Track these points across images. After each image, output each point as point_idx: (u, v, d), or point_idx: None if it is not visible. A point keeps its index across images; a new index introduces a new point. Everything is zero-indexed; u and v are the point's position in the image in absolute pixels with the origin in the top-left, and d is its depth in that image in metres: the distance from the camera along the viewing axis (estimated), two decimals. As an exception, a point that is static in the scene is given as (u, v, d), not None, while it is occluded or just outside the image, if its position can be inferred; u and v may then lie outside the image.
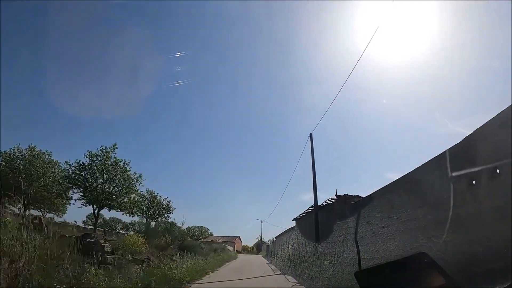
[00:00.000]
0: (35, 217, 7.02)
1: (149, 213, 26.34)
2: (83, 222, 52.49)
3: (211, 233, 71.92)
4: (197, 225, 73.49)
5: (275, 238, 32.92)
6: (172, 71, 52.05)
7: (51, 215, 26.71)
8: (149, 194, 26.56)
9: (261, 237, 60.09)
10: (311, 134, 15.08)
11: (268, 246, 43.07)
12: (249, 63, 60.28)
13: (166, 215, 27.32)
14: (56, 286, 4.52)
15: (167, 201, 28.06)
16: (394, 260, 3.81)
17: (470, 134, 3.21)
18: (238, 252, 61.68)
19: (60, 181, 19.46)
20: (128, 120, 62.58)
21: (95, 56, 52.93)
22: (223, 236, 66.90)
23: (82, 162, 17.40)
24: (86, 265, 5.78)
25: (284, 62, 56.72)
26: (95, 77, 55.26)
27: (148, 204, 26.10)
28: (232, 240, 64.41)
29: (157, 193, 27.46)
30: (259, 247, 58.15)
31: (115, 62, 53.79)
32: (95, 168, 17.10)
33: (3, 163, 18.86)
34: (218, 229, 72.25)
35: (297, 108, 67.72)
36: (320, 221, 12.57)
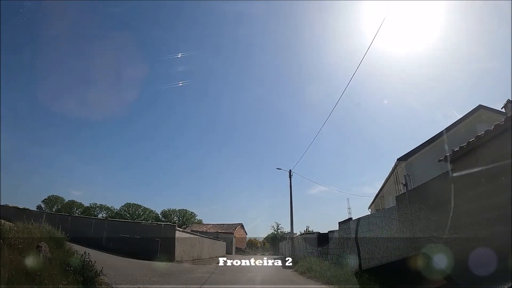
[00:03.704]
0: None
1: None
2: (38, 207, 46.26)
3: (200, 221, 47.32)
4: (177, 208, 49.21)
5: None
6: (174, 72, 49.54)
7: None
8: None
9: (291, 219, 23.84)
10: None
11: (306, 238, 16.78)
12: (250, 63, 57.29)
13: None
14: None
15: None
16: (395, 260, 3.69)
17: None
18: (237, 250, 35.86)
19: None
20: (130, 117, 63.42)
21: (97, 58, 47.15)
22: (216, 225, 41.87)
23: None
24: None
25: (286, 61, 54.53)
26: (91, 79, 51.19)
27: None
28: (230, 230, 39.04)
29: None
30: (276, 243, 30.67)
31: (116, 63, 48.45)
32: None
33: None
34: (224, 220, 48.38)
35: (299, 107, 64.33)
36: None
